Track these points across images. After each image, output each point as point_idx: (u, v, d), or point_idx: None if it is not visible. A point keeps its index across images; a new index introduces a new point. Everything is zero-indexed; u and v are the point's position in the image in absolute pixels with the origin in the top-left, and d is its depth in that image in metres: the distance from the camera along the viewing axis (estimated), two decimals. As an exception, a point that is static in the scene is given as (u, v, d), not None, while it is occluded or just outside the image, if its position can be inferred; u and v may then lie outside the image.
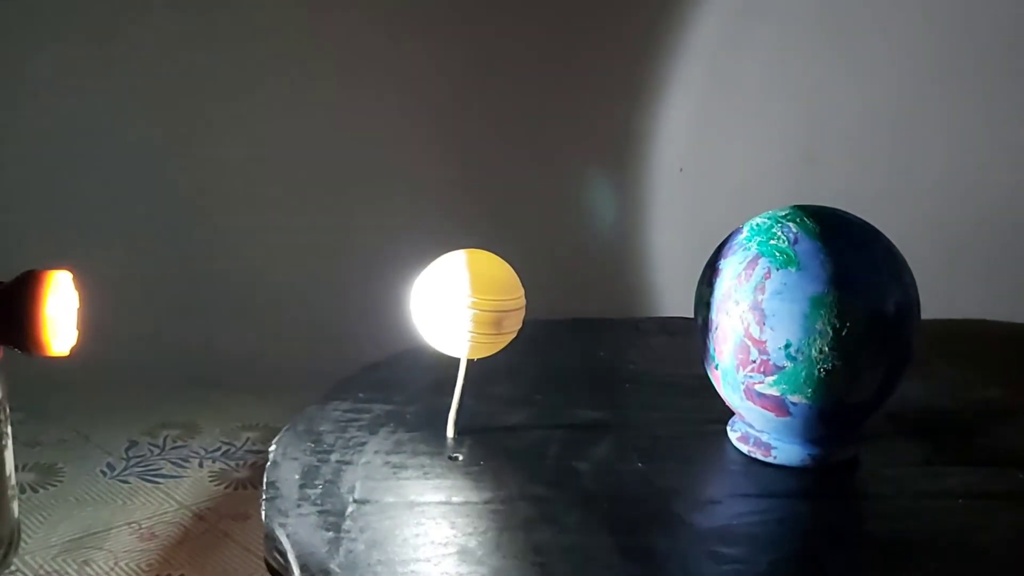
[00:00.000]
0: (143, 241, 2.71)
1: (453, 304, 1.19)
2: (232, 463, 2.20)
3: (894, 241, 1.18)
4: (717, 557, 0.99)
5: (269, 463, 1.17)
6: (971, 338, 1.79)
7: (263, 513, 1.06)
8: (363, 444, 1.24)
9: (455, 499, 1.11)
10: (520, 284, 1.23)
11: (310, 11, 2.61)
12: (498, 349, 1.24)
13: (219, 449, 2.28)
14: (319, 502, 1.08)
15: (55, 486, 2.09)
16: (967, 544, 1.05)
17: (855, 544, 1.07)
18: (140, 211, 2.72)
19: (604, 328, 1.84)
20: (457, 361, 1.25)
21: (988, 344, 1.87)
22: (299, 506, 1.07)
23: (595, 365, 1.63)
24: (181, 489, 2.06)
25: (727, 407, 1.30)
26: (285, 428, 1.28)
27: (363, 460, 1.19)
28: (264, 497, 1.09)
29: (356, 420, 1.32)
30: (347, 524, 1.03)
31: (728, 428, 1.31)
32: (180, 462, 2.19)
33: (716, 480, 1.22)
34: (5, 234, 2.58)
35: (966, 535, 1.07)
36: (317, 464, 1.17)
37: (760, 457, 1.23)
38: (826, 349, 1.10)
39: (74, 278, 0.99)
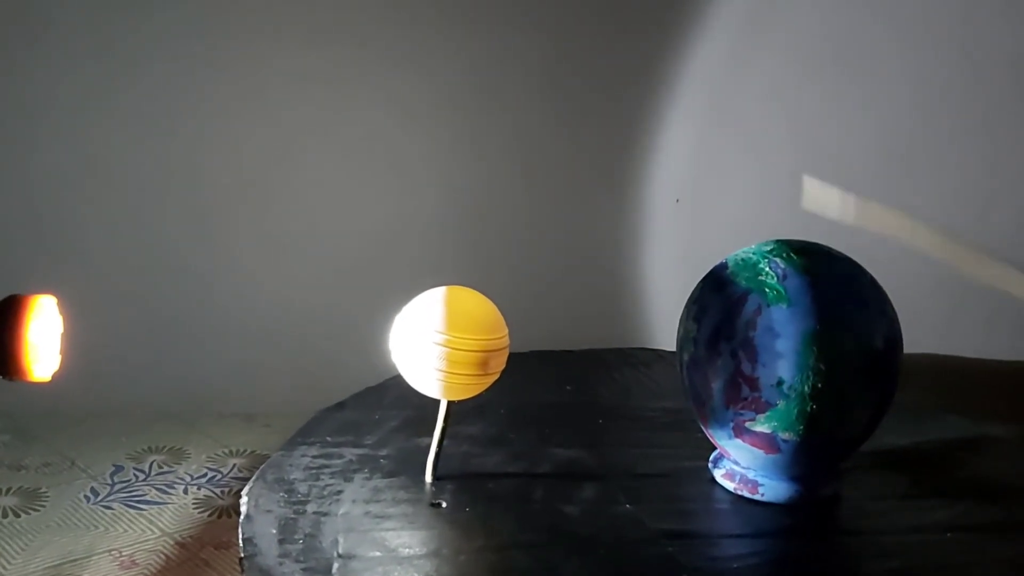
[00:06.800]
0: (131, 266, 2.63)
1: (428, 344, 1.13)
2: (217, 490, 2.14)
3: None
4: (726, 604, 0.97)
5: (243, 517, 1.09)
6: (924, 370, 1.82)
7: (242, 574, 0.99)
8: (339, 493, 1.17)
9: (445, 550, 1.06)
10: (504, 323, 1.19)
11: (311, 39, 2.55)
12: (481, 390, 1.19)
13: (205, 476, 2.22)
14: (301, 559, 1.01)
15: (38, 511, 2.04)
16: (962, 579, 1.05)
17: (855, 583, 1.06)
18: (128, 236, 2.63)
19: (566, 361, 1.81)
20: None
21: (941, 376, 1.91)
22: (281, 563, 1.00)
23: (564, 400, 1.60)
24: (164, 516, 2.01)
25: (703, 442, 1.29)
26: (254, 477, 1.20)
27: (342, 511, 1.13)
28: (242, 555, 1.01)
29: (327, 466, 1.25)
30: (335, 582, 0.96)
31: (710, 465, 1.29)
32: (165, 488, 2.14)
33: (707, 520, 1.19)
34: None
35: (961, 570, 1.07)
36: (294, 516, 1.10)
37: (747, 495, 1.21)
38: (819, 386, 1.09)
39: (59, 302, 0.95)
